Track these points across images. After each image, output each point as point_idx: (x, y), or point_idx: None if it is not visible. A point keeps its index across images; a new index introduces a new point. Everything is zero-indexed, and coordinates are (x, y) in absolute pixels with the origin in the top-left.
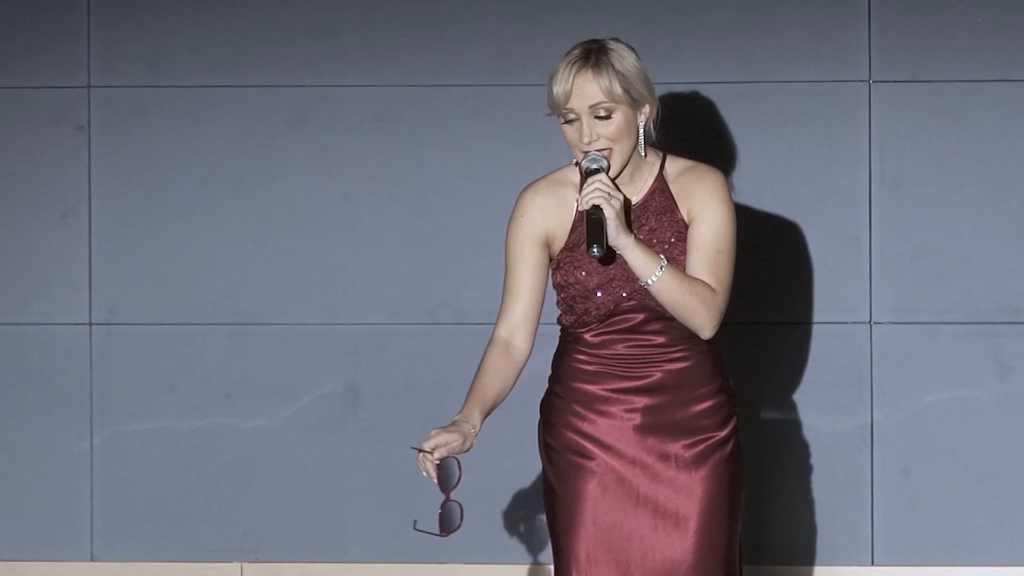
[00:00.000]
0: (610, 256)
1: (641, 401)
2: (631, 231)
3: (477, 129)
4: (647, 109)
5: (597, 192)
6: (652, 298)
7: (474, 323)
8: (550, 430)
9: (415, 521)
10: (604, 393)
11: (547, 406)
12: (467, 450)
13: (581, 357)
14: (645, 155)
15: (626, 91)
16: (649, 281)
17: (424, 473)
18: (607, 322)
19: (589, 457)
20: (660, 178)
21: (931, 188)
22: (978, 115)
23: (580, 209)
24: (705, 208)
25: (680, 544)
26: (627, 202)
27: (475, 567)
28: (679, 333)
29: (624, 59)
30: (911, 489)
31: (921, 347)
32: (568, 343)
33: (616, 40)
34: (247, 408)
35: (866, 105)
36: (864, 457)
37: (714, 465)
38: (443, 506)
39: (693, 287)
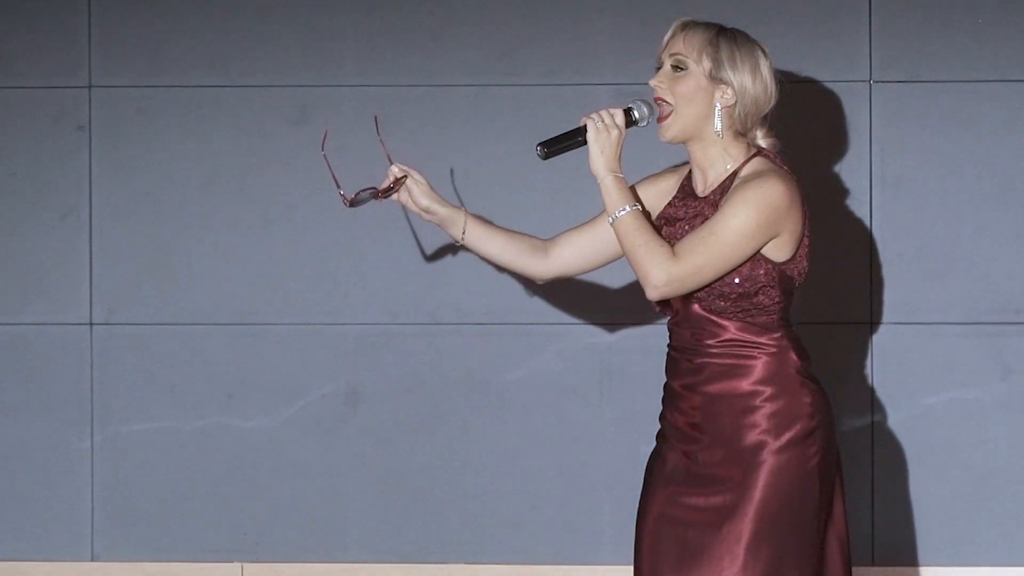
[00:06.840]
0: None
1: (695, 400)
2: (619, 169)
3: (478, 129)
4: (728, 94)
5: (595, 116)
6: (708, 294)
7: (474, 323)
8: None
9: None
10: (675, 388)
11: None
12: (423, 208)
13: (666, 348)
14: (723, 139)
15: (709, 58)
16: (610, 220)
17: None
18: (674, 313)
19: (664, 445)
20: (732, 176)
21: (931, 188)
22: (978, 115)
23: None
24: (728, 199)
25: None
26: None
27: (475, 567)
28: (738, 338)
29: (733, 40)
30: (912, 489)
31: (922, 347)
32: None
33: (746, 34)
34: (247, 408)
35: (866, 105)
36: (865, 457)
37: (756, 475)
38: (371, 194)
39: (649, 242)
